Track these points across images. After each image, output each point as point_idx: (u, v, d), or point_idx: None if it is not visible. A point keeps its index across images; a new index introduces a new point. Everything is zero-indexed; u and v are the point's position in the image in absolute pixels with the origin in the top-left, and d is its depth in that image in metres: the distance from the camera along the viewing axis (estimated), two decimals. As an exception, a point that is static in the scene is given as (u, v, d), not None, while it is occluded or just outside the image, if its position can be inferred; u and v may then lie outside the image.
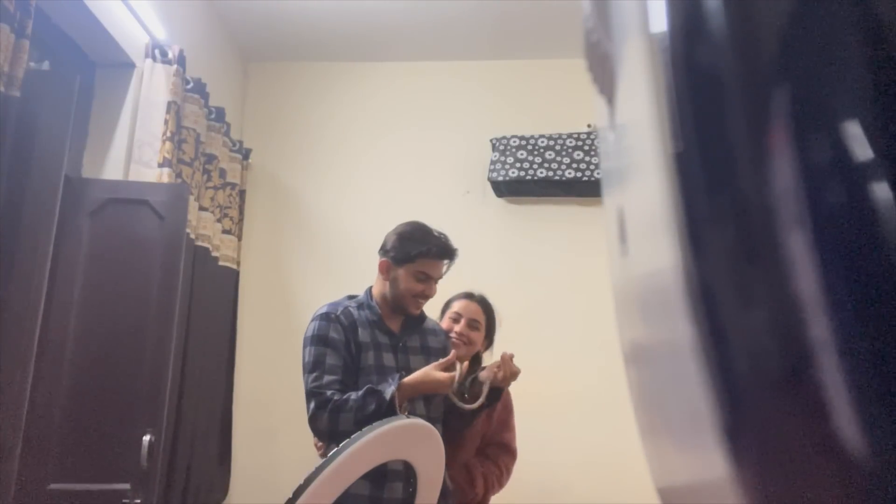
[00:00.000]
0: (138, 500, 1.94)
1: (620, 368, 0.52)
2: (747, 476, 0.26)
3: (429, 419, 1.53)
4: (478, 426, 1.93)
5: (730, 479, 0.26)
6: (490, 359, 2.06)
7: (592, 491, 2.78)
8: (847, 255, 0.23)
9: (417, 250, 1.78)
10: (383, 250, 1.83)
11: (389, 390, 1.62)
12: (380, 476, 1.57)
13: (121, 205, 2.19)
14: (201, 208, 2.71)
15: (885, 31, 0.24)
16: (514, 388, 2.04)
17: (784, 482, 0.25)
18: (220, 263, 2.92)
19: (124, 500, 1.93)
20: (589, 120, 3.07)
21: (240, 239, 3.18)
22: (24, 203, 1.79)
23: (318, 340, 1.73)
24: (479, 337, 1.99)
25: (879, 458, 0.22)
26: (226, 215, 2.97)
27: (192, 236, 2.60)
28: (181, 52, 2.54)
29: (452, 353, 1.74)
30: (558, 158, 3.11)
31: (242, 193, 3.20)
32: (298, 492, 1.13)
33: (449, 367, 1.68)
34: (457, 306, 2.01)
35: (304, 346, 1.75)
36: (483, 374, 1.81)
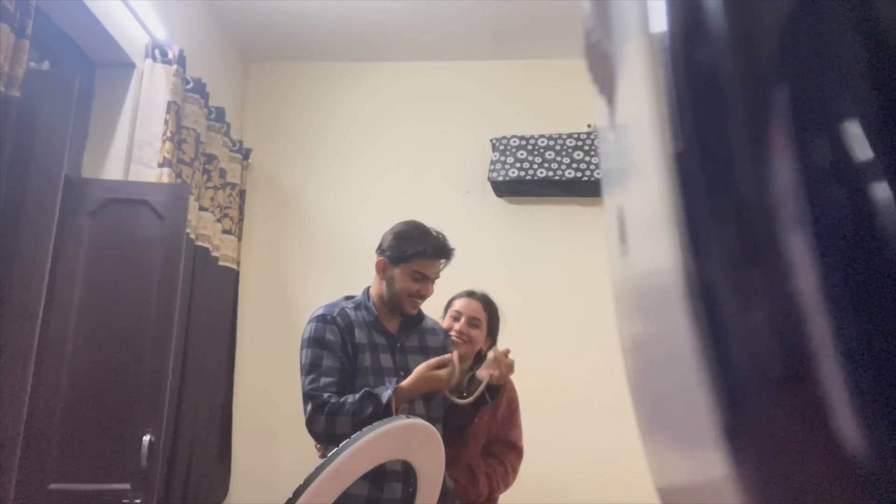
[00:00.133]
0: (138, 500, 1.94)
1: (620, 368, 0.52)
2: (747, 476, 0.26)
3: (429, 419, 1.53)
4: (482, 424, 1.92)
5: (730, 479, 0.26)
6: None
7: (592, 491, 2.78)
8: (847, 256, 0.23)
9: (413, 250, 1.77)
10: (380, 250, 1.83)
11: (386, 394, 1.61)
12: (378, 476, 1.56)
13: (121, 205, 2.19)
14: (201, 208, 2.71)
15: (885, 31, 0.24)
16: (515, 388, 2.04)
17: (784, 482, 0.25)
18: (220, 263, 2.92)
19: (124, 500, 1.93)
20: (589, 120, 3.07)
21: (240, 239, 3.18)
22: (24, 203, 1.79)
23: (315, 342, 1.73)
24: (479, 335, 1.98)
25: (879, 458, 0.22)
26: (226, 215, 2.97)
27: (192, 236, 2.60)
28: (181, 52, 2.54)
29: (453, 353, 1.74)
30: (558, 158, 3.11)
31: (242, 193, 3.20)
32: (298, 492, 1.13)
33: (443, 365, 1.67)
34: (458, 305, 2.02)
35: (301, 349, 1.75)
36: (481, 372, 1.80)
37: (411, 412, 1.69)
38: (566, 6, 2.81)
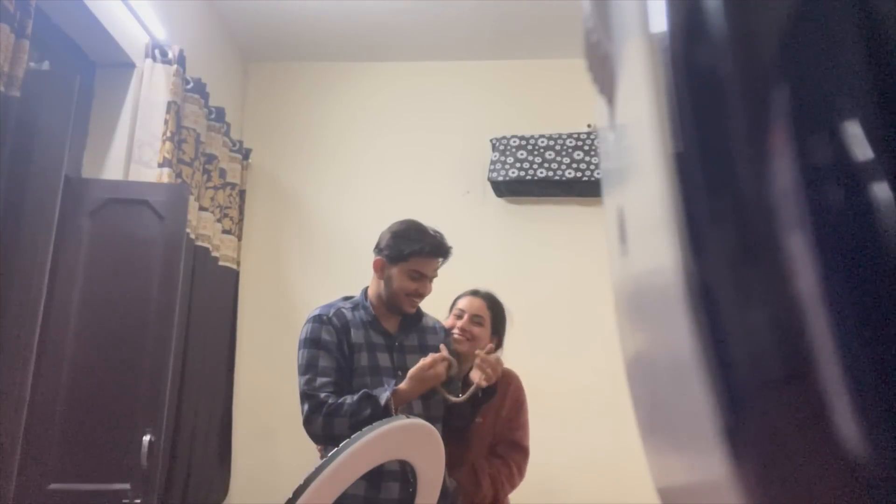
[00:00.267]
0: (138, 500, 1.94)
1: (620, 368, 0.52)
2: (747, 476, 0.26)
3: (428, 418, 1.53)
4: (486, 425, 1.91)
5: (730, 480, 0.26)
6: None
7: (592, 491, 2.78)
8: (847, 256, 0.23)
9: (411, 248, 1.77)
10: (377, 249, 1.83)
11: (384, 396, 1.61)
12: (375, 476, 1.56)
13: (121, 205, 2.19)
14: (201, 208, 2.71)
15: (885, 32, 0.24)
16: (523, 387, 2.03)
17: (784, 482, 0.25)
18: (220, 263, 2.92)
19: (124, 500, 1.93)
20: (589, 120, 3.07)
21: (240, 239, 3.18)
22: (24, 203, 1.79)
23: (311, 343, 1.73)
24: (482, 332, 1.97)
25: (880, 459, 0.22)
26: (226, 215, 2.97)
27: (192, 236, 2.60)
28: (181, 52, 2.54)
29: (441, 348, 1.74)
30: (558, 158, 3.11)
31: (242, 193, 3.20)
32: (298, 492, 1.13)
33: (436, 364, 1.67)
34: (461, 303, 2.02)
35: (298, 349, 1.75)
36: (473, 374, 1.79)
37: (410, 412, 1.68)
38: (566, 6, 2.81)
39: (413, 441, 1.38)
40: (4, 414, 1.67)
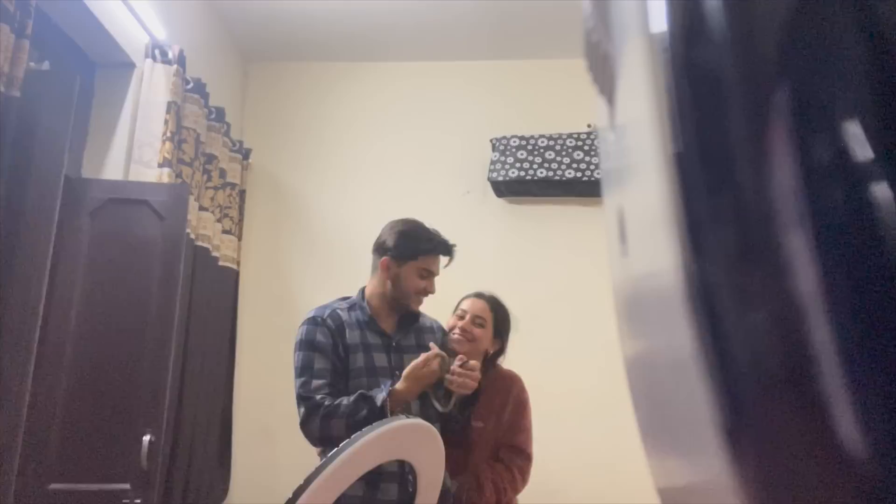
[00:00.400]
0: (138, 500, 1.94)
1: (620, 368, 0.52)
2: (747, 477, 0.26)
3: (426, 418, 1.52)
4: (487, 429, 1.89)
5: (730, 480, 0.26)
6: (503, 361, 2.05)
7: (592, 491, 2.78)
8: (847, 256, 0.23)
9: (420, 247, 1.79)
10: (383, 249, 1.82)
11: (380, 396, 1.60)
12: (374, 477, 1.56)
13: (121, 205, 2.19)
14: (201, 208, 2.71)
15: (885, 31, 0.24)
16: (526, 390, 2.02)
17: (784, 483, 0.25)
18: (220, 263, 2.92)
19: (124, 500, 1.93)
20: (589, 120, 3.07)
21: (240, 239, 3.18)
22: (24, 203, 1.79)
23: (306, 345, 1.72)
24: (483, 334, 1.96)
25: (879, 459, 0.22)
26: (226, 215, 2.97)
27: (192, 236, 2.61)
28: (181, 52, 2.54)
29: (432, 347, 1.72)
30: (558, 158, 3.11)
31: (242, 193, 3.20)
32: (298, 492, 1.13)
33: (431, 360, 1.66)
34: (464, 304, 2.01)
35: (294, 352, 1.75)
36: (450, 384, 1.71)
37: (408, 411, 1.68)
38: (566, 6, 2.81)
39: (413, 441, 1.38)
40: (4, 414, 1.67)
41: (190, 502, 2.56)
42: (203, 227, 2.72)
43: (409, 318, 1.85)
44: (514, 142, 3.17)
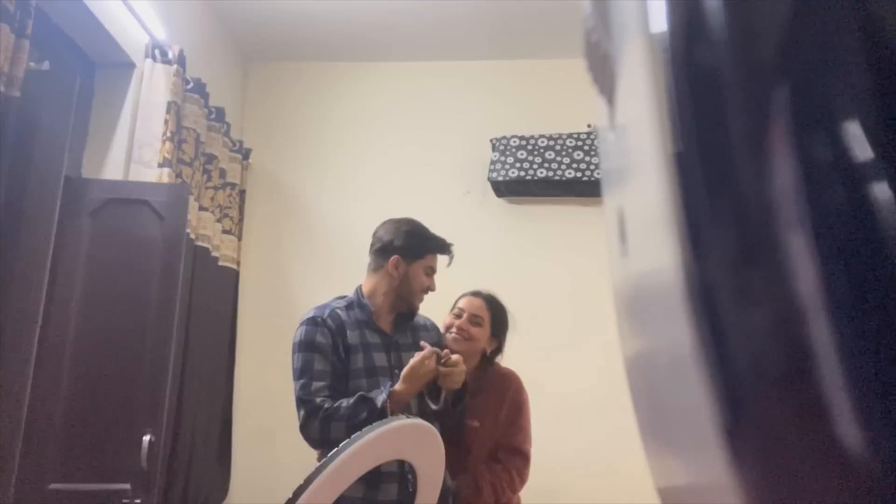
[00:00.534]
0: (138, 500, 1.94)
1: (620, 368, 0.52)
2: (747, 476, 0.26)
3: (425, 417, 1.52)
4: (484, 429, 1.89)
5: (730, 480, 0.26)
6: (501, 359, 2.05)
7: (592, 491, 2.78)
8: (847, 255, 0.23)
9: (428, 246, 1.82)
10: (391, 248, 1.81)
11: (381, 398, 1.60)
12: (374, 478, 1.55)
13: (121, 205, 2.19)
14: (201, 208, 2.71)
15: (885, 31, 0.24)
16: (524, 389, 2.02)
17: (784, 482, 0.25)
18: (220, 263, 2.92)
19: (124, 500, 1.93)
20: (589, 120, 3.07)
21: (240, 239, 3.18)
22: (24, 203, 1.79)
23: (306, 346, 1.71)
24: (480, 333, 1.96)
25: (879, 459, 0.22)
26: (226, 215, 2.97)
27: (192, 236, 2.60)
28: (181, 52, 2.54)
29: (425, 346, 1.72)
30: (558, 158, 3.11)
31: (242, 193, 3.20)
32: (298, 492, 1.13)
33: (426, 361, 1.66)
34: (461, 303, 2.01)
35: (293, 353, 1.73)
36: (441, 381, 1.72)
37: (409, 412, 1.68)
38: (566, 6, 2.81)
39: (413, 441, 1.38)
40: (4, 414, 1.67)
41: (190, 502, 2.56)
42: (203, 227, 2.72)
43: (405, 317, 1.85)
44: (514, 142, 3.17)
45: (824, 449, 0.23)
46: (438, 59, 3.42)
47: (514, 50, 3.31)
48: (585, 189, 3.10)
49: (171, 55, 2.51)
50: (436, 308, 1.98)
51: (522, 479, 1.91)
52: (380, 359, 1.75)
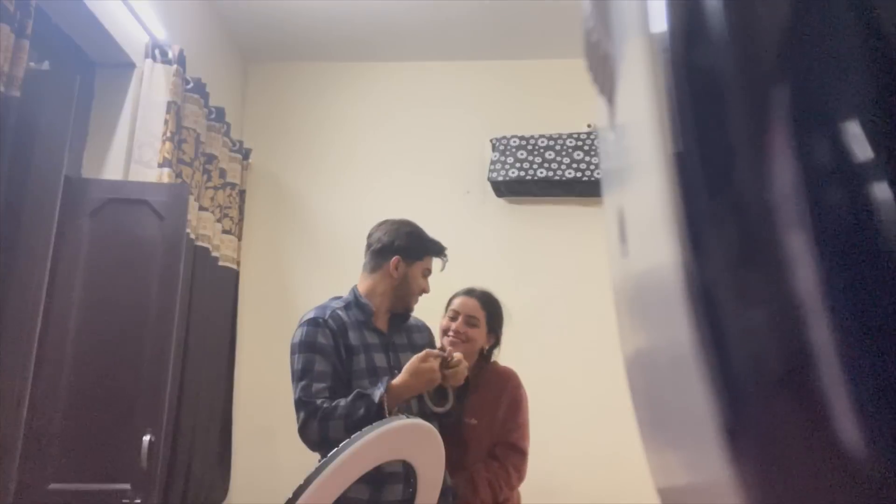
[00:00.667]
0: (138, 500, 1.94)
1: (620, 368, 0.52)
2: (747, 476, 0.26)
3: (424, 416, 1.52)
4: (482, 426, 1.89)
5: (730, 479, 0.26)
6: (498, 356, 2.05)
7: (592, 490, 2.78)
8: (847, 256, 0.23)
9: (427, 247, 1.84)
10: (391, 248, 1.81)
11: (378, 393, 1.58)
12: (378, 479, 1.55)
13: (121, 205, 2.19)
14: (201, 208, 2.71)
15: (885, 31, 0.24)
16: (522, 386, 2.02)
17: (784, 482, 0.25)
18: (220, 263, 2.92)
19: (124, 500, 1.93)
20: (589, 120, 3.07)
21: (240, 239, 3.18)
22: (24, 203, 1.79)
23: (306, 347, 1.69)
24: (477, 333, 1.96)
25: (879, 458, 0.22)
26: (226, 215, 2.97)
27: (192, 236, 2.60)
28: (181, 52, 2.54)
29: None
30: (558, 158, 3.11)
31: (242, 193, 3.20)
32: (298, 492, 1.13)
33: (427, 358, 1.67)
34: (455, 304, 2.00)
35: (292, 353, 1.71)
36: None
37: (408, 411, 1.68)
38: (566, 6, 2.81)
39: (413, 441, 1.38)
40: (4, 414, 1.67)
41: (190, 502, 2.56)
42: (203, 227, 2.72)
43: (401, 317, 1.86)
44: (514, 142, 3.17)
45: (824, 448, 0.23)
46: (438, 59, 3.42)
47: (514, 50, 3.31)
48: (585, 189, 3.10)
49: (171, 55, 2.51)
50: (435, 308, 1.98)
51: (520, 475, 1.91)
52: (379, 359, 1.74)
